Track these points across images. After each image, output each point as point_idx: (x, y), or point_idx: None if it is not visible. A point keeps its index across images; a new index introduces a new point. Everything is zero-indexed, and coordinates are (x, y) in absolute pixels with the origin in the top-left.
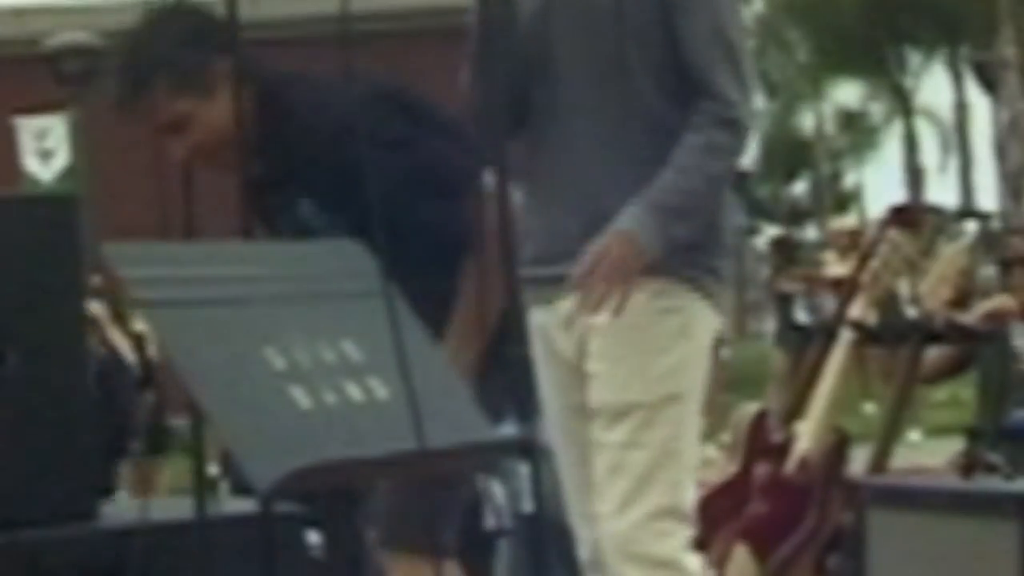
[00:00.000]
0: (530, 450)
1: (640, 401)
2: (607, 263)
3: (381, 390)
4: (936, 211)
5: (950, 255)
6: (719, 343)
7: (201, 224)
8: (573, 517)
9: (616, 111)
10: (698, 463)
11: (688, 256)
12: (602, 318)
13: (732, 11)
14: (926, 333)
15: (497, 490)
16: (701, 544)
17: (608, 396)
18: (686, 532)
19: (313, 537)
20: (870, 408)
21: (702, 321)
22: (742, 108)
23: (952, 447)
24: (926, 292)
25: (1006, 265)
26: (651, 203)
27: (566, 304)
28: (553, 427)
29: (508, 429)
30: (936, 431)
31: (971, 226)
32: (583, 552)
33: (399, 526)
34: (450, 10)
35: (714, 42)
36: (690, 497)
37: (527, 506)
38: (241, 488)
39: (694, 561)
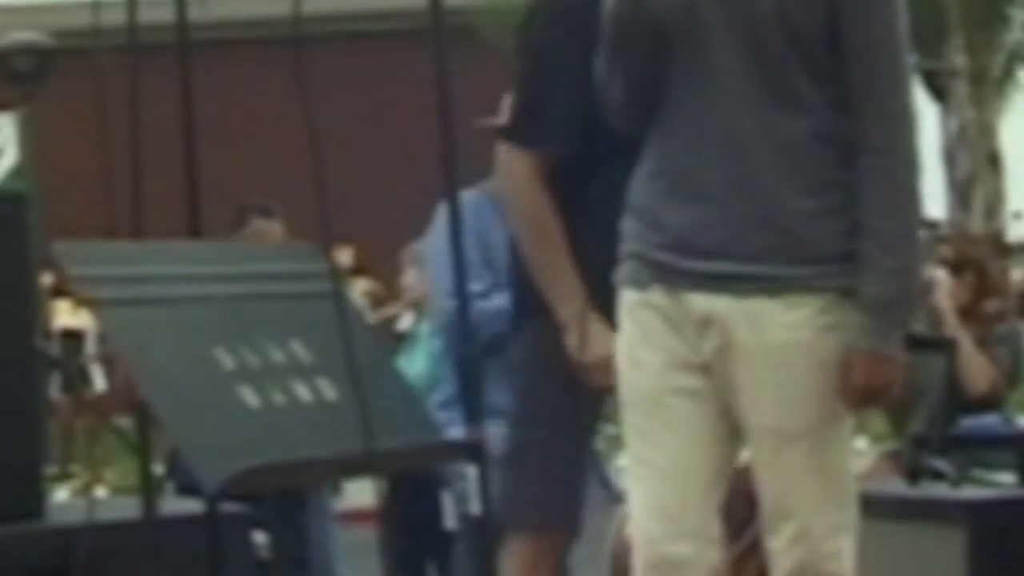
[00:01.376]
0: (478, 452)
1: (810, 425)
2: (870, 396)
3: (330, 391)
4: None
5: None
6: None
7: (148, 224)
8: (654, 523)
9: (771, 105)
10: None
11: (845, 267)
12: (771, 337)
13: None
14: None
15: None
16: None
17: (777, 419)
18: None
19: (259, 537)
20: None
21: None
22: (899, 149)
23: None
24: None
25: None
26: (873, 304)
27: (700, 302)
28: (652, 407)
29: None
30: (881, 438)
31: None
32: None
33: (521, 506)
34: (399, 14)
35: (875, 65)
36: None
37: (474, 508)
38: (186, 488)
39: None
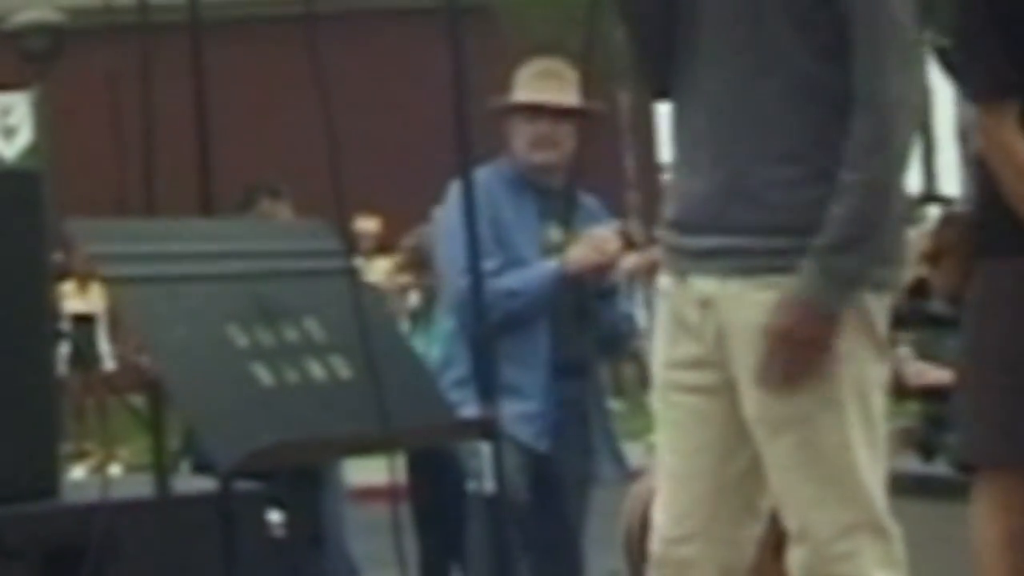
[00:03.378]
0: (491, 430)
1: (797, 414)
2: (791, 353)
3: (344, 369)
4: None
5: (912, 240)
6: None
7: (160, 202)
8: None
9: (751, 62)
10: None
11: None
12: (746, 320)
13: None
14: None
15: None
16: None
17: (761, 408)
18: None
19: (274, 515)
20: None
21: (855, 316)
22: (896, 101)
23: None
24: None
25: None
26: (817, 250)
27: (700, 284)
28: (663, 405)
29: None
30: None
31: (934, 211)
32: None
33: (990, 442)
34: None
35: (870, 14)
36: (880, 504)
37: (488, 486)
38: (203, 467)
39: None
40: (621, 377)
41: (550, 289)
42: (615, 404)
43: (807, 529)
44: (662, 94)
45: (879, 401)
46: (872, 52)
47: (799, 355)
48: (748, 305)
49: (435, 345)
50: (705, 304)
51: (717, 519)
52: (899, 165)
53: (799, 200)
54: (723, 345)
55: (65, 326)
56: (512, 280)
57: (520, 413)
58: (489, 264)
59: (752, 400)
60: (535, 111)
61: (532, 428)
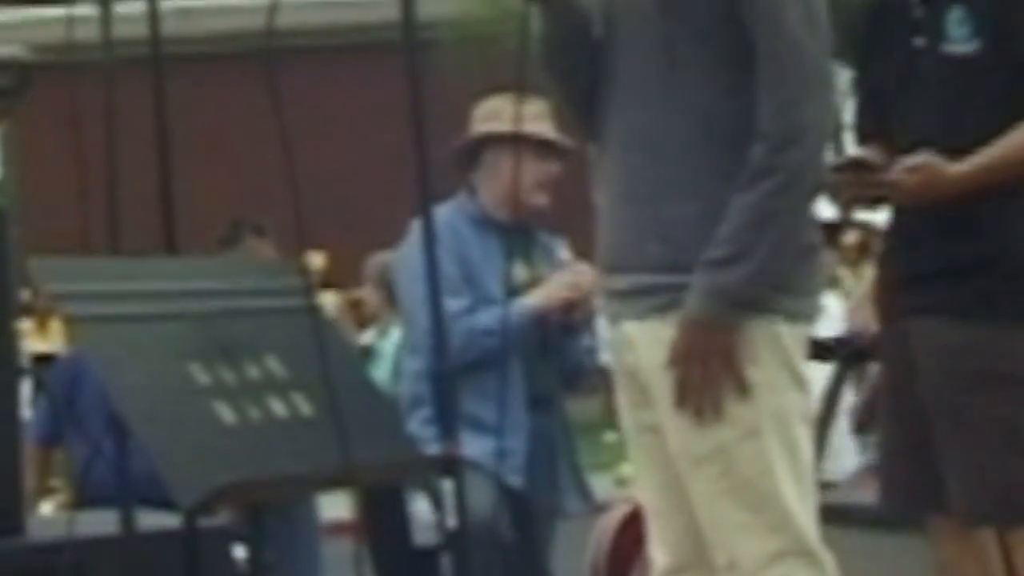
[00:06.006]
0: (453, 467)
1: (717, 445)
2: (690, 372)
3: (305, 406)
4: (864, 227)
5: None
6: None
7: (125, 240)
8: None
9: (659, 103)
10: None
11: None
12: (660, 358)
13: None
14: (853, 351)
15: (422, 506)
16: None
17: (682, 443)
18: (814, 573)
19: (240, 551)
20: None
21: (769, 346)
22: (791, 129)
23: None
24: (852, 309)
25: None
26: (705, 280)
27: (626, 326)
28: (631, 447)
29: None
30: None
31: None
32: None
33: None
34: (373, 27)
35: (772, 43)
36: (810, 533)
37: (451, 522)
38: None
39: None
40: (614, 410)
41: (526, 327)
42: (609, 436)
43: (736, 559)
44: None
45: (802, 432)
46: (770, 81)
47: (701, 373)
48: (661, 344)
49: (402, 383)
50: (630, 346)
51: (707, 547)
52: (794, 192)
53: (706, 236)
54: (645, 386)
55: (26, 366)
56: (487, 318)
57: (498, 449)
58: (460, 303)
59: (673, 435)
60: (546, 148)
61: (507, 463)
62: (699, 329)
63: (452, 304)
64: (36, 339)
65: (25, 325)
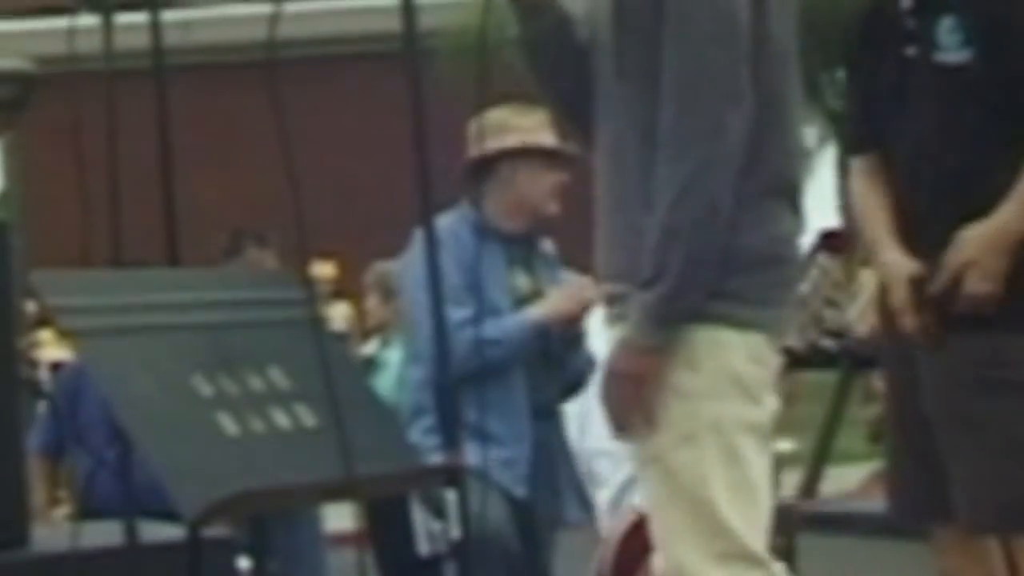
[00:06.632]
0: (456, 477)
1: (656, 451)
2: (615, 391)
3: (308, 417)
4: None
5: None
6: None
7: (127, 252)
8: None
9: (621, 116)
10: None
11: None
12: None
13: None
14: (856, 358)
15: (419, 516)
16: (630, 569)
17: (632, 448)
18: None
19: (244, 563)
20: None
21: (709, 353)
22: (687, 143)
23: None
24: (856, 317)
25: None
26: (636, 302)
27: (613, 332)
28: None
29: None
30: (856, 457)
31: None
32: None
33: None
34: (374, 37)
35: (673, 50)
36: (752, 541)
37: (454, 532)
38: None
39: None
40: None
41: (531, 338)
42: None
43: (681, 564)
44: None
45: (747, 442)
46: (667, 90)
47: (621, 393)
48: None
49: (405, 393)
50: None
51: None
52: (692, 202)
53: None
54: None
55: (44, 374)
56: (493, 329)
57: (502, 459)
58: (464, 312)
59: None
60: (555, 158)
61: (511, 473)
62: (625, 351)
63: (456, 314)
64: (54, 348)
65: (44, 335)
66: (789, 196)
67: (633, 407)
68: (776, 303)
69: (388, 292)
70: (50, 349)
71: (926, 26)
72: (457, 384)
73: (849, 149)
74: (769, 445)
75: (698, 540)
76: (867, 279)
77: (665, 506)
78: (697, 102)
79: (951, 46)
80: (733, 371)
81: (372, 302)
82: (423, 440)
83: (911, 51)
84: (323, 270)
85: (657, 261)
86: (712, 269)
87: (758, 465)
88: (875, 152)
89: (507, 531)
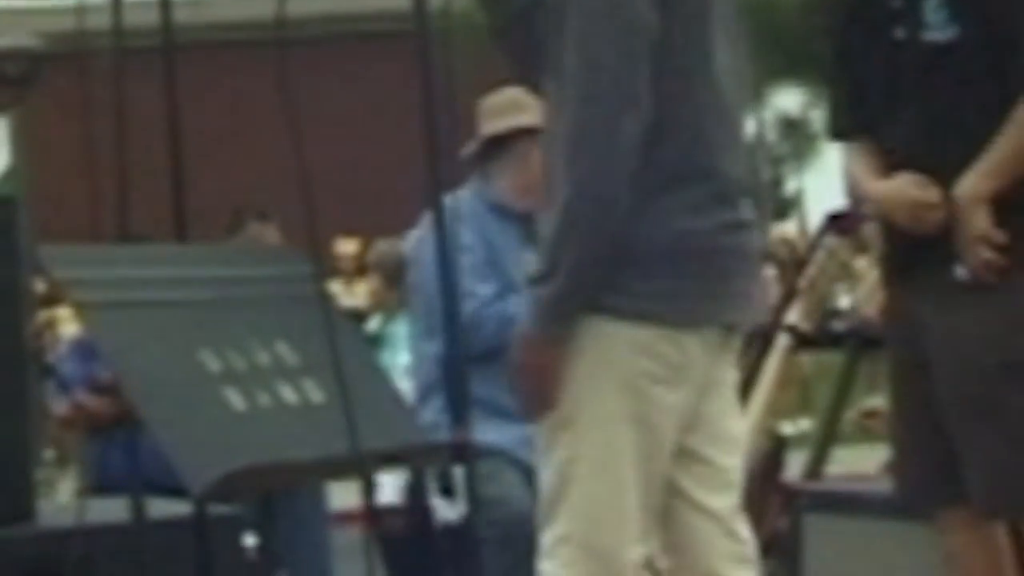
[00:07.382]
0: (464, 453)
1: (548, 434)
2: (516, 381)
3: (316, 393)
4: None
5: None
6: None
7: (136, 227)
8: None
9: (549, 115)
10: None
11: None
12: None
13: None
14: (863, 339)
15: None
16: None
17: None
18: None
19: (250, 539)
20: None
21: (592, 343)
22: (577, 148)
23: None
24: (863, 298)
25: None
26: (534, 298)
27: None
28: None
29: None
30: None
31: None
32: None
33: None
34: (385, 15)
35: (561, 49)
36: (604, 532)
37: (464, 508)
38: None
39: None
40: None
41: None
42: None
43: (545, 541)
44: None
45: (624, 431)
46: (568, 94)
47: (525, 384)
48: None
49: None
50: None
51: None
52: (585, 200)
53: None
54: None
55: (63, 348)
56: (514, 307)
57: (521, 437)
58: (489, 288)
59: None
60: None
61: (531, 450)
62: (524, 343)
63: (482, 289)
64: (72, 324)
65: (61, 311)
66: (715, 190)
67: (536, 396)
68: (688, 295)
69: (390, 275)
70: (68, 325)
71: (912, 6)
72: (478, 360)
73: (839, 135)
74: (663, 436)
75: (556, 519)
76: (863, 266)
77: (546, 480)
78: (592, 104)
79: (937, 24)
80: (613, 362)
81: (374, 283)
82: (437, 418)
83: (899, 33)
84: (346, 247)
85: (551, 258)
86: (604, 266)
87: (632, 457)
88: (867, 138)
89: (528, 507)
